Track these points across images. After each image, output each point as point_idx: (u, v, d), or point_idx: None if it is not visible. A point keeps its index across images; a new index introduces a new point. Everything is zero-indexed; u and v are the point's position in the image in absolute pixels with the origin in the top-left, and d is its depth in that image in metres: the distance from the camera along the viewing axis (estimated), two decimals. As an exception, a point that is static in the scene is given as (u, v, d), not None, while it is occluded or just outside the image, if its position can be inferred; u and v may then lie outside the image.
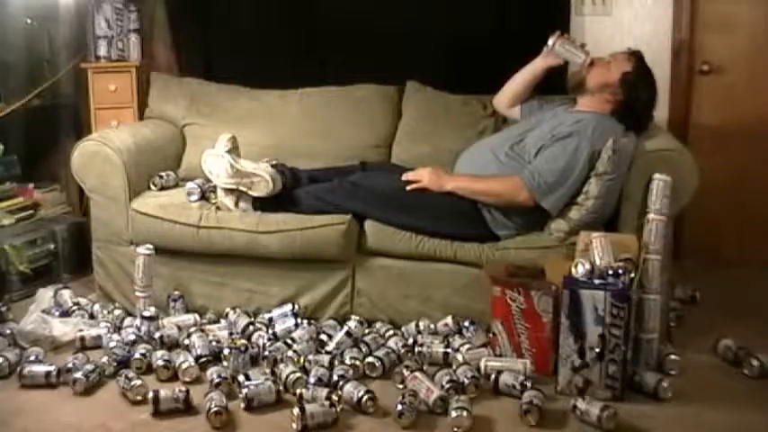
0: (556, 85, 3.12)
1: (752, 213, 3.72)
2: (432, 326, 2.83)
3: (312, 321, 2.89)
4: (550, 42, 2.97)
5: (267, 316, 2.92)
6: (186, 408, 2.33)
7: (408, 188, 2.90)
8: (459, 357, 2.59)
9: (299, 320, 2.86)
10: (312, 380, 2.42)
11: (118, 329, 2.88)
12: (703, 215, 3.55)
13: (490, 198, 2.83)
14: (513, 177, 2.79)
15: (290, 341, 2.69)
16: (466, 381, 2.42)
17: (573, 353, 2.39)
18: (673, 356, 2.59)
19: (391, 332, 2.80)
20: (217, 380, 2.41)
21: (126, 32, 3.68)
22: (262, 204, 2.97)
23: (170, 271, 3.05)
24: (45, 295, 3.12)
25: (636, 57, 2.91)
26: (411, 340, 2.74)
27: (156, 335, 2.75)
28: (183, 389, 2.35)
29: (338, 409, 2.26)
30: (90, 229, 3.18)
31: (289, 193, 2.98)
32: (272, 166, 3.01)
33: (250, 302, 3.00)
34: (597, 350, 2.36)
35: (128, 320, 2.94)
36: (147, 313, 2.84)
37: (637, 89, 2.85)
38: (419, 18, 3.54)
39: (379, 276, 2.93)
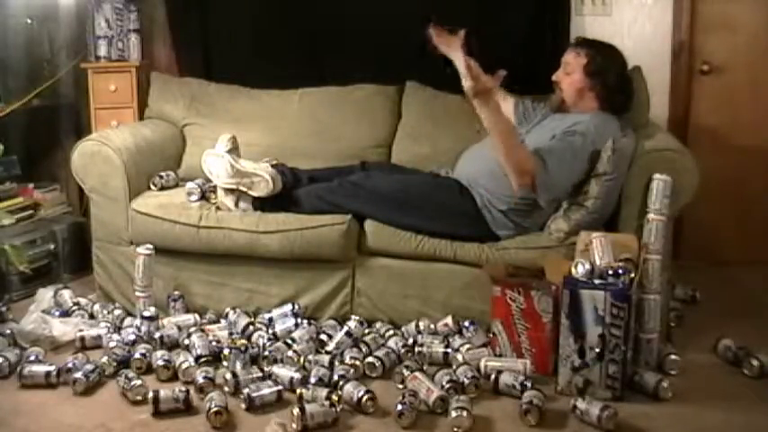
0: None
1: (752, 213, 3.72)
2: (432, 326, 2.83)
3: (312, 321, 2.89)
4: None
5: (267, 316, 2.92)
6: (186, 408, 2.33)
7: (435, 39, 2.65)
8: (459, 357, 2.59)
9: (299, 320, 2.86)
10: (312, 380, 2.42)
11: (118, 329, 2.88)
12: (703, 215, 3.56)
13: (502, 158, 2.65)
14: (532, 160, 2.65)
15: (290, 341, 2.69)
16: (466, 381, 2.42)
17: (573, 353, 2.40)
18: (673, 356, 2.59)
19: (391, 332, 2.80)
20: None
21: (126, 32, 3.69)
22: (262, 204, 2.97)
23: (170, 271, 3.05)
24: (45, 295, 3.12)
25: (580, 45, 2.94)
26: (411, 340, 2.74)
27: (156, 335, 2.75)
28: (183, 389, 2.35)
29: (338, 409, 2.26)
30: (90, 229, 3.18)
31: (289, 193, 2.98)
32: (273, 166, 3.01)
33: (250, 302, 3.00)
34: (597, 350, 2.36)
35: (128, 320, 2.94)
36: (147, 313, 2.84)
37: (605, 71, 2.87)
38: (419, 18, 3.53)
39: (379, 276, 2.92)
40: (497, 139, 2.64)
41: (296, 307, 2.92)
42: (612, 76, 2.88)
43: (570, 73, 2.90)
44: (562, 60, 2.95)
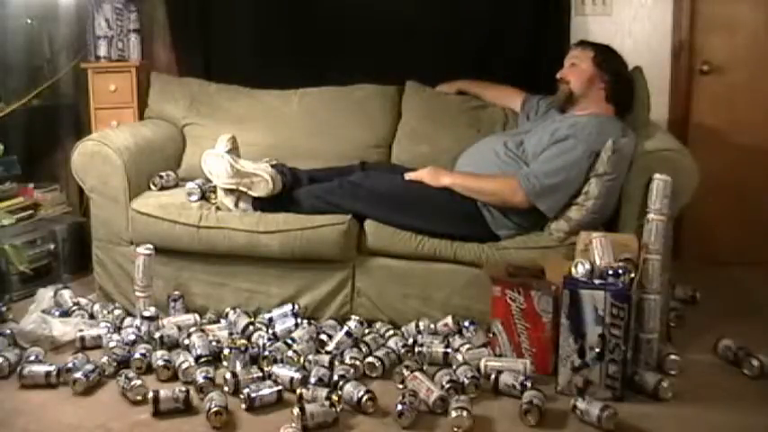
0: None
1: (752, 213, 3.72)
2: (432, 326, 2.83)
3: (312, 321, 2.89)
4: None
5: (267, 316, 2.91)
6: (186, 408, 2.33)
7: (407, 176, 2.94)
8: (459, 357, 2.59)
9: (299, 320, 2.86)
10: (312, 380, 2.42)
11: (118, 329, 2.87)
12: (703, 215, 3.56)
13: (485, 197, 2.84)
14: (510, 178, 2.81)
15: (290, 341, 2.69)
16: (466, 381, 2.42)
17: (573, 353, 2.40)
18: (673, 356, 2.59)
19: (391, 332, 2.80)
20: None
21: (126, 32, 3.69)
22: (262, 204, 2.97)
23: (170, 271, 3.05)
24: (45, 295, 3.12)
25: (583, 44, 3.04)
26: (411, 340, 2.74)
27: (156, 335, 2.75)
28: (183, 389, 2.35)
29: (338, 409, 2.26)
30: (90, 229, 3.18)
31: (289, 193, 2.98)
32: (272, 166, 3.01)
33: (250, 302, 3.00)
34: (597, 350, 2.36)
35: (128, 320, 2.94)
36: (147, 313, 2.84)
37: (612, 61, 2.96)
38: (419, 18, 3.54)
39: (379, 276, 2.92)
40: (469, 189, 2.86)
41: (296, 307, 2.92)
42: (621, 66, 2.96)
43: (578, 64, 2.94)
44: (567, 57, 2.99)
